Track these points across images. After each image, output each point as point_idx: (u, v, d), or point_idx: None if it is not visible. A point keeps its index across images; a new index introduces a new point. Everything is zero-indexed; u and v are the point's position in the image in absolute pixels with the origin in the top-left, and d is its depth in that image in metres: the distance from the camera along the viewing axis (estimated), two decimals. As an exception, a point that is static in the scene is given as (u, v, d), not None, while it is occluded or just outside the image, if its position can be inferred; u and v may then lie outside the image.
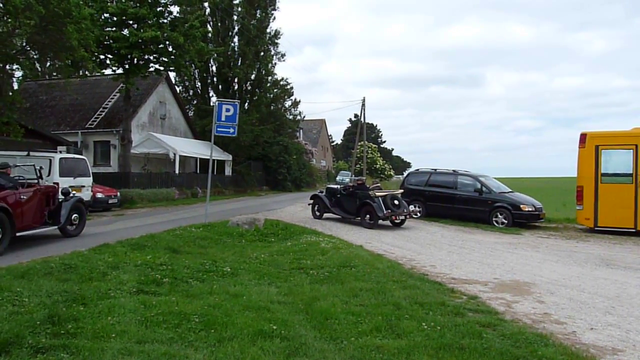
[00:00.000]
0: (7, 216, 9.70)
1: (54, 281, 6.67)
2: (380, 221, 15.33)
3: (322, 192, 18.08)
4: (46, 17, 15.33)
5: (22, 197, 10.60)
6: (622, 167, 14.97)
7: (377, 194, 15.60)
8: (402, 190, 17.55)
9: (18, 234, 10.14)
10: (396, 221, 15.80)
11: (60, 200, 12.17)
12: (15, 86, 30.01)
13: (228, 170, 34.63)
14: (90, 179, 17.70)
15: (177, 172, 28.17)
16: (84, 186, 17.18)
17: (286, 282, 7.46)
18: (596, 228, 15.05)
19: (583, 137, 15.26)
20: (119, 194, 20.39)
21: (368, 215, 15.52)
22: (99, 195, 18.84)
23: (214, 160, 18.33)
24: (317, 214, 17.56)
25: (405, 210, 15.77)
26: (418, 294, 6.81)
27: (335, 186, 18.04)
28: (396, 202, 15.59)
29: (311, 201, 18.03)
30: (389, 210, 15.21)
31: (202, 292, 6.53)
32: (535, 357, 4.64)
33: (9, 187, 10.28)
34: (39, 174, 11.92)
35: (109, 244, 10.10)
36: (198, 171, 32.37)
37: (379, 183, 20.21)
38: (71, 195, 12.50)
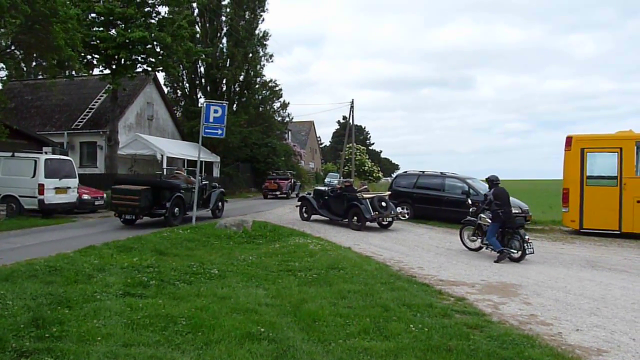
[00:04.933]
0: (294, 186, 32.98)
1: (38, 284, 6.58)
2: (367, 223, 15.35)
3: (310, 194, 18.07)
4: (32, 17, 15.18)
5: (292, 182, 32.39)
6: (607, 170, 15.15)
7: (364, 195, 15.63)
8: (389, 192, 17.61)
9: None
10: (384, 223, 15.84)
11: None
12: (0, 86, 29.64)
13: (216, 172, 34.46)
14: (76, 180, 17.54)
15: (164, 173, 27.93)
16: (69, 187, 17.02)
17: (274, 284, 7.43)
18: (581, 230, 15.20)
19: (569, 140, 15.40)
20: (105, 195, 20.20)
21: (356, 217, 15.51)
22: (85, 196, 18.66)
23: (201, 161, 18.27)
24: (305, 215, 17.55)
25: (392, 212, 15.76)
26: (406, 295, 6.82)
27: (323, 188, 18.05)
28: (383, 204, 15.60)
29: (299, 203, 18.03)
30: (377, 212, 15.23)
31: (190, 295, 6.48)
32: (522, 358, 4.67)
33: (288, 179, 32.32)
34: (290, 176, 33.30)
35: (94, 246, 10.02)
36: (186, 173, 32.14)
37: (367, 185, 20.30)
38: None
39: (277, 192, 30.72)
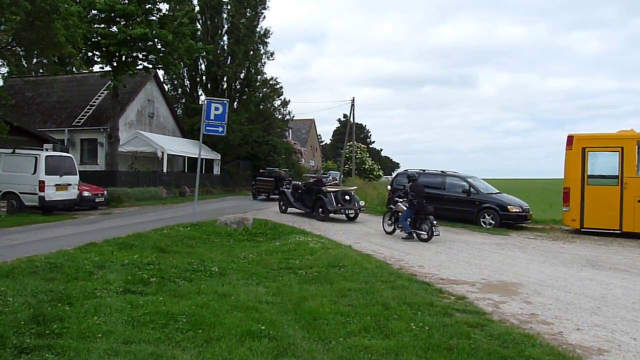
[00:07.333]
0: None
1: (39, 280, 6.59)
2: (331, 214, 16.52)
3: (288, 188, 19.33)
4: (32, 13, 15.16)
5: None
6: (608, 169, 15.11)
7: (329, 189, 16.85)
8: (355, 187, 19.03)
9: None
10: (350, 215, 17.05)
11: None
12: (1, 82, 29.66)
13: (216, 170, 34.49)
14: (77, 177, 17.56)
15: (165, 170, 27.98)
16: (70, 184, 17.03)
17: (275, 282, 7.43)
18: (582, 229, 15.18)
19: (570, 139, 15.37)
20: (106, 192, 20.23)
21: (321, 209, 16.70)
22: (86, 193, 18.68)
23: (202, 159, 18.32)
24: (283, 208, 18.84)
25: (356, 205, 16.93)
26: (406, 294, 6.81)
27: (298, 183, 19.65)
28: (347, 197, 16.85)
29: (278, 197, 19.49)
30: (339, 205, 16.50)
31: (190, 292, 6.48)
32: (522, 357, 4.66)
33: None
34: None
35: (95, 242, 10.03)
36: (186, 170, 32.18)
37: (337, 180, 22.21)
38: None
39: None
